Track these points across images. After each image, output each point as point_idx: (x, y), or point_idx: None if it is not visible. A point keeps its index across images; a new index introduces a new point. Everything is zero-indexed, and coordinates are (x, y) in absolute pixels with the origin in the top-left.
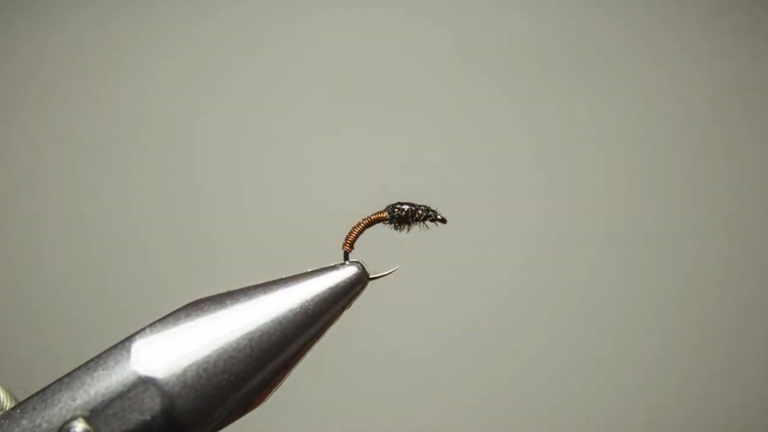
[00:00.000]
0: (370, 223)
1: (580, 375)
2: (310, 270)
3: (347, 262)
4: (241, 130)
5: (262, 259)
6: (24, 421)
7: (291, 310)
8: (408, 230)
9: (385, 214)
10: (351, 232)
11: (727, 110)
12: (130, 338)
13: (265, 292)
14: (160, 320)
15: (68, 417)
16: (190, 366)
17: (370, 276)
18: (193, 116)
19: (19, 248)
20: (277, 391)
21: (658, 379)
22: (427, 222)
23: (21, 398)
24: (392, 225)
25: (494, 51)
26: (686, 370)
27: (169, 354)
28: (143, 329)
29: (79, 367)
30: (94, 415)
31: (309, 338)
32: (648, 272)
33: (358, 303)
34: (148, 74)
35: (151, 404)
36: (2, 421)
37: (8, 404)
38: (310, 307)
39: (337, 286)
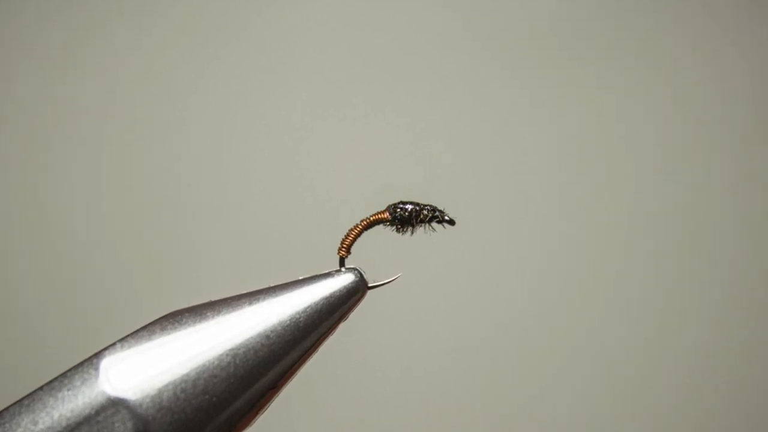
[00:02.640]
0: (369, 224)
1: (605, 394)
2: (301, 278)
3: (343, 269)
4: (224, 117)
5: (247, 265)
6: None
7: (280, 323)
8: (412, 233)
9: (386, 215)
10: (347, 235)
11: None
12: (98, 354)
13: (250, 303)
14: (133, 334)
15: None
16: (166, 386)
17: (369, 284)
18: (171, 103)
19: None
20: (264, 414)
21: (692, 398)
22: (433, 224)
23: None
24: (394, 227)
25: (511, 31)
26: (723, 387)
27: (142, 372)
28: (113, 344)
29: (41, 387)
30: None
31: (300, 355)
32: (683, 283)
33: (355, 315)
34: (120, 56)
35: (123, 429)
36: None
37: None
38: (301, 319)
39: (331, 296)
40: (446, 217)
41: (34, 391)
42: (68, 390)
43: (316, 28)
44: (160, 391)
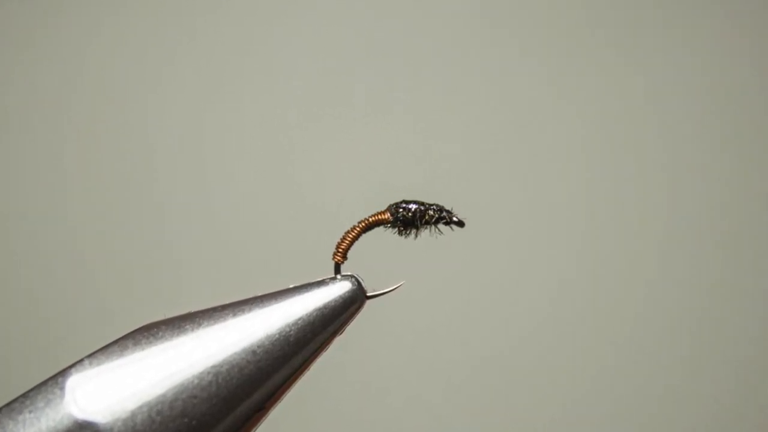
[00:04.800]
0: (369, 226)
1: (633, 415)
2: (292, 286)
3: (339, 276)
4: (209, 107)
5: (232, 272)
6: None
7: (268, 337)
8: (416, 235)
9: (388, 216)
10: (344, 239)
11: None
12: (64, 372)
13: (235, 315)
14: (102, 349)
15: None
16: (139, 408)
17: (368, 294)
18: (154, 96)
19: None
20: None
21: (732, 419)
22: (440, 225)
23: None
24: (396, 229)
25: (528, 10)
26: (765, 407)
27: (113, 392)
28: (81, 361)
29: (0, 409)
30: None
31: (291, 373)
32: (722, 291)
33: (352, 328)
34: (91, 36)
35: None
36: None
37: None
38: (292, 333)
39: (326, 306)
40: (454, 218)
41: None
42: (30, 412)
43: (311, 14)
44: (134, 414)
